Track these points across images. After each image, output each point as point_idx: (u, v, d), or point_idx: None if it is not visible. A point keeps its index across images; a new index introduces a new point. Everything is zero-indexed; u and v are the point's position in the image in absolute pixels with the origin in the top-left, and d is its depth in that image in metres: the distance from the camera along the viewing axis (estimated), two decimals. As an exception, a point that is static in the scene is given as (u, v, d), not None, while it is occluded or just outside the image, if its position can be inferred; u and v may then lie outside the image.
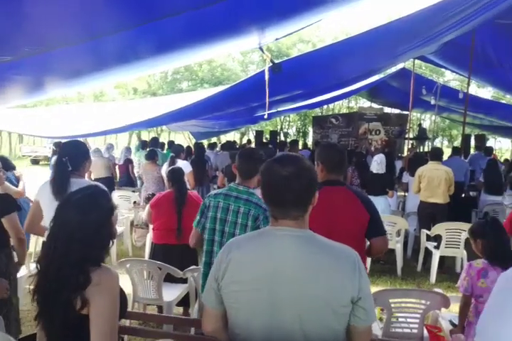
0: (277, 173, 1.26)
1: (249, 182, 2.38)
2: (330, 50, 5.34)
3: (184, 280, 3.38)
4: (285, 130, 24.38)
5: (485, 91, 16.70)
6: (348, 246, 1.29)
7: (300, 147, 11.48)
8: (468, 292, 2.53)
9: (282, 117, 21.83)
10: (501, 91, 10.09)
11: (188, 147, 8.65)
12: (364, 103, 20.60)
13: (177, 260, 3.35)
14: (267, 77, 4.33)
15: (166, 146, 10.01)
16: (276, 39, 4.17)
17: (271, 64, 4.50)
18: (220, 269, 1.30)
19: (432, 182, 5.17)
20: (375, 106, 17.68)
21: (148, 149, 7.58)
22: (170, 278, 3.24)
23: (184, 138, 14.80)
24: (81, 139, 5.14)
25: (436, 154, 5.46)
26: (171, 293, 3.30)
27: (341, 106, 23.33)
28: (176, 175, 3.74)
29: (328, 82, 7.45)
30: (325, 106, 21.81)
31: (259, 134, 16.63)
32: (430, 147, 13.73)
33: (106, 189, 1.66)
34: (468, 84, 7.45)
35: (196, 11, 2.83)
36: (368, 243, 2.30)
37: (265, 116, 4.73)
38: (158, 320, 2.61)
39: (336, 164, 2.26)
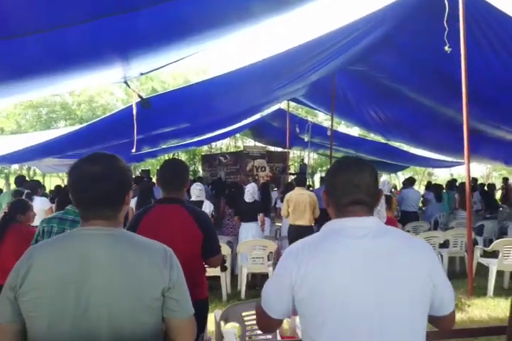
0: (85, 172, 1.24)
1: None
2: (204, 86, 5.35)
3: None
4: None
5: (353, 130, 18.64)
6: (160, 243, 1.31)
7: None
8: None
9: (171, 155, 21.57)
10: (363, 129, 11.36)
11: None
12: (249, 142, 21.53)
13: None
14: (134, 112, 4.24)
15: (13, 184, 8.87)
16: (142, 74, 4.12)
17: (139, 99, 4.43)
18: (18, 276, 1.18)
19: (299, 206, 5.53)
20: (259, 145, 18.58)
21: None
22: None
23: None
24: None
25: (300, 181, 5.97)
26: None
27: (229, 146, 24.08)
28: None
29: (209, 118, 7.52)
30: (214, 146, 22.28)
31: (145, 173, 16.07)
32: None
33: None
34: (332, 122, 8.26)
35: (50, 32, 2.64)
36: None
37: (133, 151, 4.58)
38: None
39: (167, 181, 2.23)
